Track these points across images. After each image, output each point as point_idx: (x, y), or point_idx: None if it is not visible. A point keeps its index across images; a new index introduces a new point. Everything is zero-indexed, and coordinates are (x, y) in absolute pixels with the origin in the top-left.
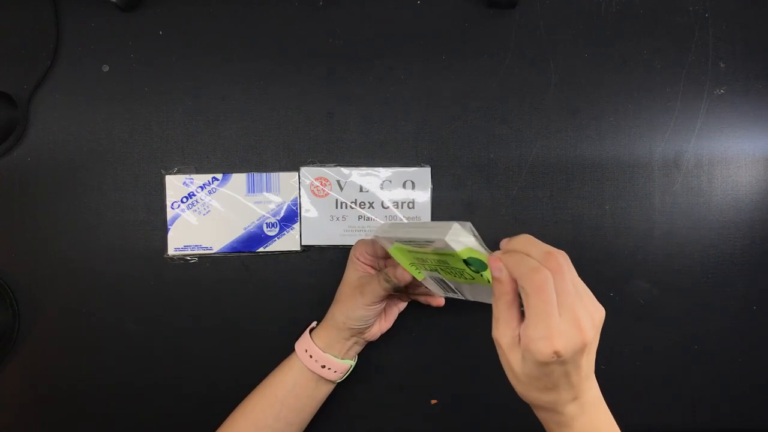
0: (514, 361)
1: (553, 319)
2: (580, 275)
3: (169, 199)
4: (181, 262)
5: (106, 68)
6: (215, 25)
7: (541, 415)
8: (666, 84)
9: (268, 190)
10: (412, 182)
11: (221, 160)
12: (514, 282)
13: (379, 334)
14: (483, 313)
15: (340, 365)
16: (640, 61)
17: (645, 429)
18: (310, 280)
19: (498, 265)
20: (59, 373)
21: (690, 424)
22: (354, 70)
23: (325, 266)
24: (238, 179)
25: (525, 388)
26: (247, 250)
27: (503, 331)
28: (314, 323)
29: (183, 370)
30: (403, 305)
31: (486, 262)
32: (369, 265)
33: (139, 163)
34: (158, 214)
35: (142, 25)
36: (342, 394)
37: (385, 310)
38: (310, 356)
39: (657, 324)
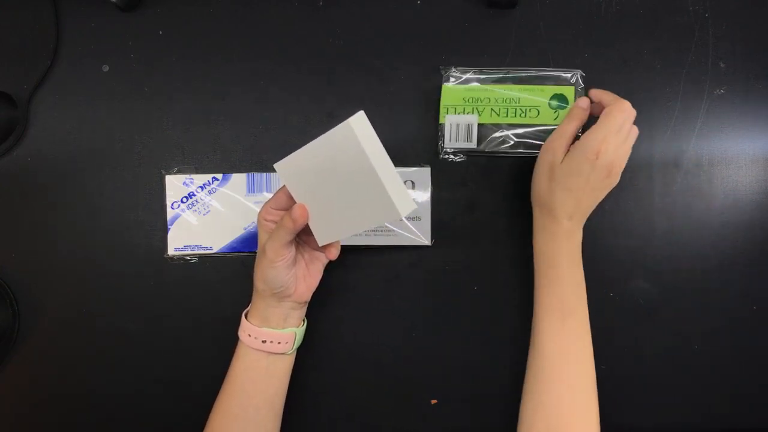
0: (557, 158)
1: (611, 133)
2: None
3: (169, 199)
4: (181, 262)
5: (106, 68)
6: (215, 25)
7: (540, 222)
8: (666, 84)
9: (268, 190)
10: (412, 182)
11: (221, 160)
12: (587, 111)
13: (309, 293)
14: (483, 313)
15: (282, 335)
16: (640, 61)
17: (645, 429)
18: None
19: (593, 92)
20: (59, 373)
21: (690, 424)
22: (354, 70)
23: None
24: (238, 179)
25: (548, 185)
26: (247, 250)
27: (560, 140)
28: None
29: (183, 369)
30: (324, 257)
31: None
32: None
33: (139, 163)
34: (158, 214)
35: (142, 25)
36: (342, 393)
37: (307, 266)
38: (249, 335)
39: (657, 324)
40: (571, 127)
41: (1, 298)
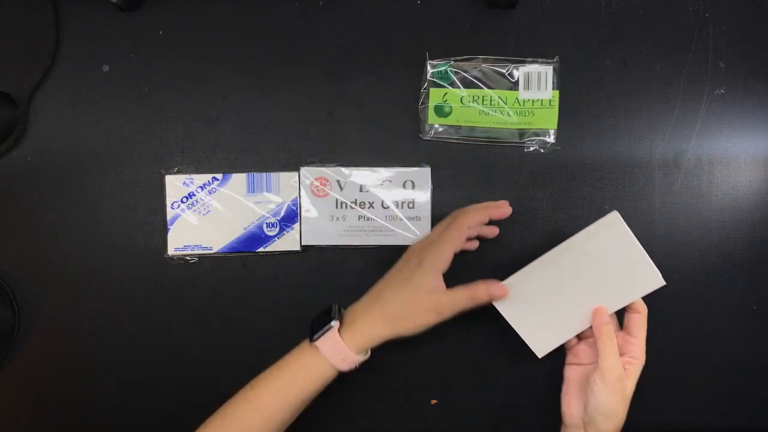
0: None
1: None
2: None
3: (169, 199)
4: (181, 262)
5: (106, 68)
6: (215, 25)
7: None
8: (666, 84)
9: (268, 190)
10: (412, 182)
11: (221, 160)
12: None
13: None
14: (484, 312)
15: (364, 358)
16: (640, 61)
17: (645, 429)
18: (310, 280)
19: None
20: (59, 373)
21: (690, 424)
22: (354, 70)
23: (325, 266)
24: (238, 179)
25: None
26: (247, 250)
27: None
28: (336, 323)
29: (183, 369)
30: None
31: None
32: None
33: (139, 163)
34: (158, 214)
35: (142, 25)
36: (342, 393)
37: None
38: (343, 359)
39: (657, 324)
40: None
41: (1, 298)
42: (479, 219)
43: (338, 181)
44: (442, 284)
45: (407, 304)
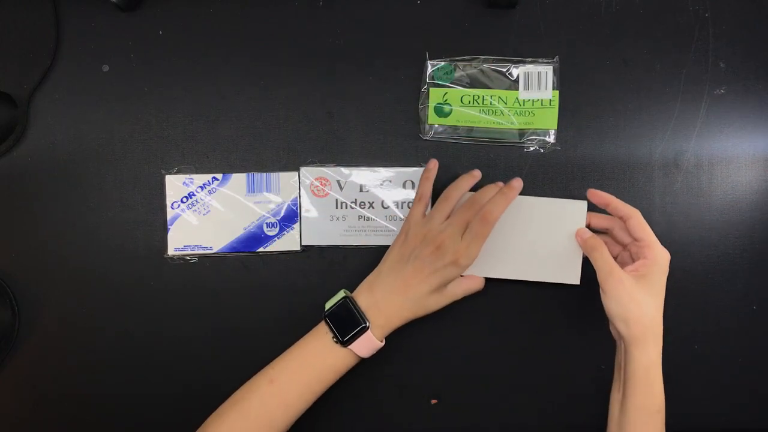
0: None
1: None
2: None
3: (169, 199)
4: (181, 262)
5: (106, 68)
6: (215, 25)
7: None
8: (666, 84)
9: (268, 190)
10: (413, 182)
11: (221, 160)
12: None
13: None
14: (484, 311)
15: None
16: (640, 61)
17: None
18: (310, 280)
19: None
20: (59, 373)
21: (690, 424)
22: (354, 70)
23: (325, 266)
24: (238, 179)
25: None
26: (247, 250)
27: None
28: (368, 323)
29: (183, 369)
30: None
31: None
32: None
33: (139, 163)
34: (158, 214)
35: (142, 25)
36: (342, 393)
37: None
38: (371, 350)
39: None
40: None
41: (1, 298)
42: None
43: (338, 181)
44: None
45: (432, 296)
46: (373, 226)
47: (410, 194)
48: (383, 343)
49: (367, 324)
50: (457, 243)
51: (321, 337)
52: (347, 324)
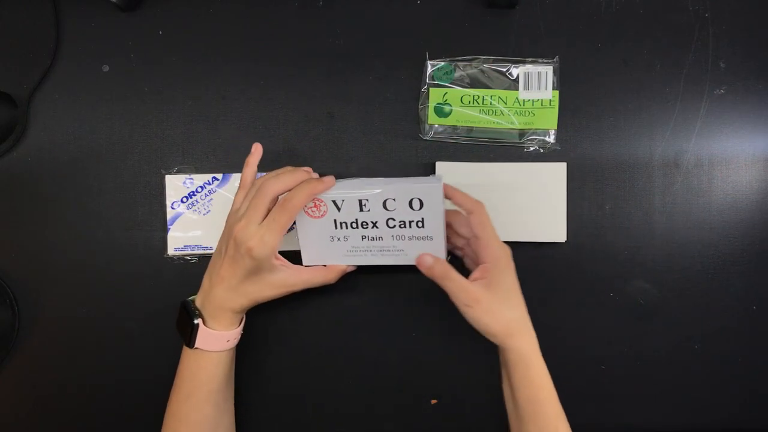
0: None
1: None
2: (580, 275)
3: (169, 199)
4: (181, 262)
5: (106, 68)
6: (215, 25)
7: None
8: (666, 84)
9: None
10: (420, 201)
11: (221, 160)
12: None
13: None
14: None
15: (240, 329)
16: (640, 61)
17: (645, 429)
18: None
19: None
20: (59, 373)
21: (690, 424)
22: (354, 70)
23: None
24: (238, 179)
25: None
26: None
27: None
28: (198, 320)
29: None
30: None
31: None
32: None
33: (139, 163)
34: (158, 214)
35: (142, 25)
36: (342, 393)
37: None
38: (227, 341)
39: (657, 324)
40: None
41: (1, 298)
42: (287, 186)
43: (333, 201)
44: (283, 262)
45: (249, 286)
46: (380, 246)
47: (419, 214)
48: (235, 331)
49: (196, 321)
50: (250, 232)
51: (187, 353)
52: (186, 325)
